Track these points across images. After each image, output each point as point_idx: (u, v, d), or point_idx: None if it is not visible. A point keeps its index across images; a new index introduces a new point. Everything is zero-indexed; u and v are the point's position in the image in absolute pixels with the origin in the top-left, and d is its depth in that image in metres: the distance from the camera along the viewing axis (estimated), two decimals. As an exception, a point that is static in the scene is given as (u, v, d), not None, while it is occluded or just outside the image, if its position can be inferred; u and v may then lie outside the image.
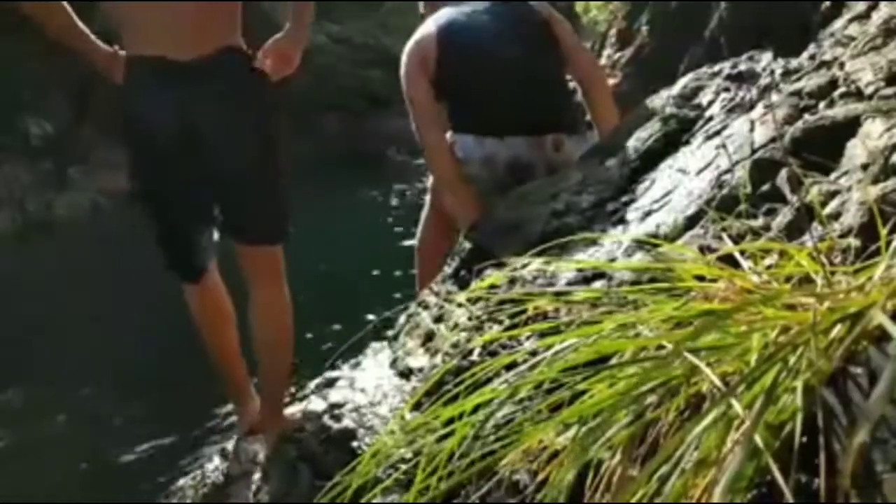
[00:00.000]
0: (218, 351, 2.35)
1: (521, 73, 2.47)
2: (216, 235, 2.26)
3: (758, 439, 0.58)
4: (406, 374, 1.91)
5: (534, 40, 2.55)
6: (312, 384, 2.40)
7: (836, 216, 1.07)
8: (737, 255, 0.93)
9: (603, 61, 11.51)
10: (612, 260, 1.47)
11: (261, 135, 2.08)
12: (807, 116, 1.42)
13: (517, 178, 2.36)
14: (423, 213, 2.82)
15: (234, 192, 2.09)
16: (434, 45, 2.53)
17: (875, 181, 1.09)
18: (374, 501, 1.00)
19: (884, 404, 0.54)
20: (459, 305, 0.91)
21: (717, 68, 2.23)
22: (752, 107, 1.76)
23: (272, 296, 2.18)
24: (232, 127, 2.00)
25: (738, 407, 0.62)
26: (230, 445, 2.43)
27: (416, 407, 1.34)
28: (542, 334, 0.86)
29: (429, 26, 2.59)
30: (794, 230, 1.15)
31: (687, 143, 1.91)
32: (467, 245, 2.09)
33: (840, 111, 1.32)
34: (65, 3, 2.08)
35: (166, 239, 2.19)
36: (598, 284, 1.34)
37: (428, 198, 2.81)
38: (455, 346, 1.56)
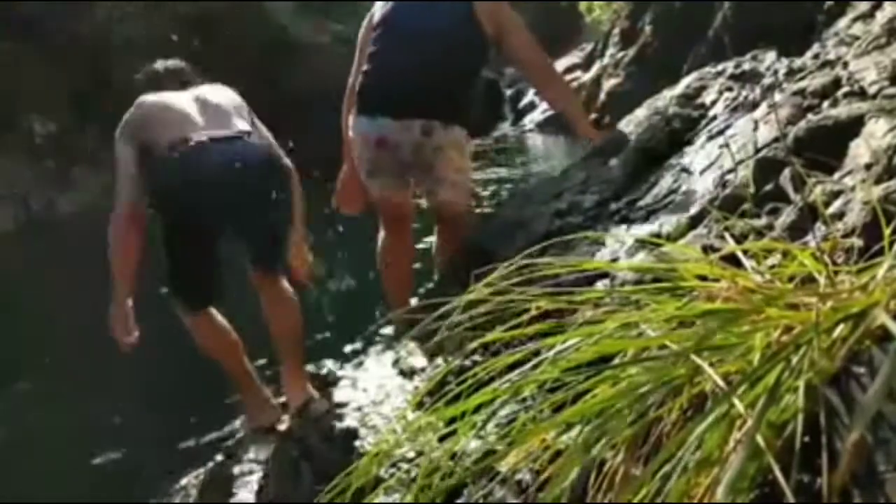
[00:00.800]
0: (232, 369, 2.60)
1: (416, 58, 2.47)
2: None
3: (760, 439, 0.58)
4: (408, 373, 1.92)
5: (452, 29, 2.50)
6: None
7: (839, 216, 1.07)
8: (740, 254, 0.92)
9: (606, 60, 11.50)
10: (615, 259, 1.47)
11: (285, 193, 2.53)
12: (810, 116, 1.41)
13: (389, 156, 2.48)
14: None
15: (264, 238, 2.53)
16: (388, 6, 2.59)
17: (878, 181, 1.09)
18: (376, 500, 1.00)
19: (880, 401, 0.54)
20: (462, 305, 0.91)
21: (720, 68, 2.23)
22: (755, 106, 1.76)
23: (279, 292, 2.53)
24: (264, 189, 2.45)
25: (740, 406, 0.62)
26: (233, 444, 2.44)
27: (419, 406, 1.34)
28: (545, 334, 0.86)
29: None
30: (797, 230, 1.15)
31: (690, 142, 1.91)
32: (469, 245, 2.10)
33: (843, 110, 1.32)
34: None
35: (189, 274, 2.51)
36: (600, 284, 1.34)
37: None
38: (457, 345, 1.56)
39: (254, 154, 2.40)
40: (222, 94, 2.58)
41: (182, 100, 2.49)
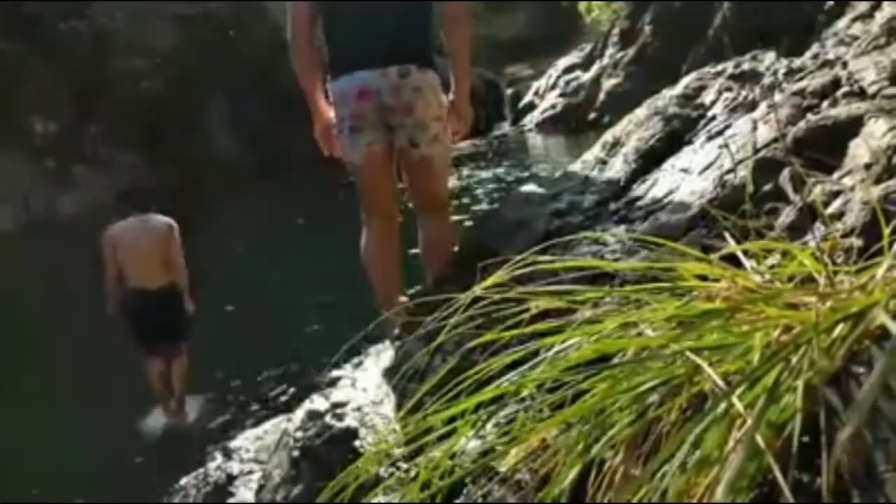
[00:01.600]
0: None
1: (376, 9, 2.55)
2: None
3: (759, 439, 0.58)
4: (408, 373, 1.91)
5: None
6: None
7: (838, 216, 1.07)
8: (739, 254, 0.92)
9: (606, 60, 11.51)
10: (615, 259, 1.47)
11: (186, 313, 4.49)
12: (809, 116, 1.42)
13: (371, 106, 2.51)
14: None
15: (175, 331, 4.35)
16: None
17: (878, 181, 1.09)
18: (375, 500, 1.00)
19: (876, 394, 0.54)
20: (461, 304, 0.91)
21: (720, 68, 2.23)
22: (754, 106, 1.76)
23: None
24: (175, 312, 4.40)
25: (739, 406, 0.62)
26: (232, 444, 2.44)
27: (419, 406, 1.34)
28: (544, 333, 0.86)
29: None
30: (796, 230, 1.15)
31: (689, 142, 1.91)
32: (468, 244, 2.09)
33: (843, 110, 1.32)
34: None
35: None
36: (600, 283, 1.34)
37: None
38: (457, 345, 1.56)
39: (170, 301, 4.43)
40: None
41: None
